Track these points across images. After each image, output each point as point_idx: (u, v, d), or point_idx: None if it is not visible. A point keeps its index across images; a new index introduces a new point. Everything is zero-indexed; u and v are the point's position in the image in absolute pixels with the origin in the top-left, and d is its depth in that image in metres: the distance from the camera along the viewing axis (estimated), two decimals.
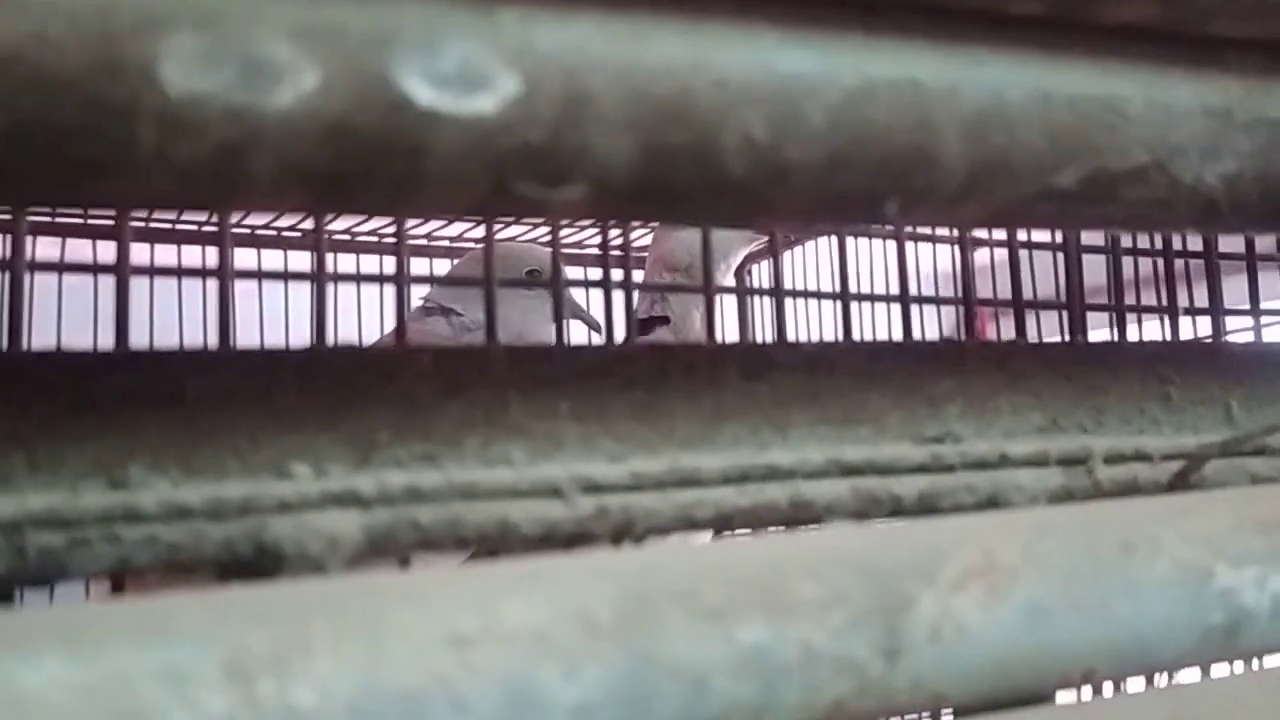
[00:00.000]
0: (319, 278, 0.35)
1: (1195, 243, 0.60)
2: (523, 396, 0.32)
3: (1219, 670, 0.36)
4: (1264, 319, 0.55)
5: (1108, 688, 0.35)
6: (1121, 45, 0.30)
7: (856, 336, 0.47)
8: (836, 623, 0.25)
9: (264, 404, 0.30)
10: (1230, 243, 0.62)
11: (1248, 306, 0.61)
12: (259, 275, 0.38)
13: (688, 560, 0.25)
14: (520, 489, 0.30)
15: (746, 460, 0.33)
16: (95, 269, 0.34)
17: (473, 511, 0.29)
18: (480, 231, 0.93)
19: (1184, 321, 0.58)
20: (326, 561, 0.27)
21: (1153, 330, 0.69)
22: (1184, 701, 0.30)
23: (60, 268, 0.40)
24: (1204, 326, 0.61)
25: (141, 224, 0.73)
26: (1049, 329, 0.74)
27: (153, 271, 0.38)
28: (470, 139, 0.24)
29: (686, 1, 0.25)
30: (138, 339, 0.33)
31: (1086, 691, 0.31)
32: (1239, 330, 0.60)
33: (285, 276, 0.37)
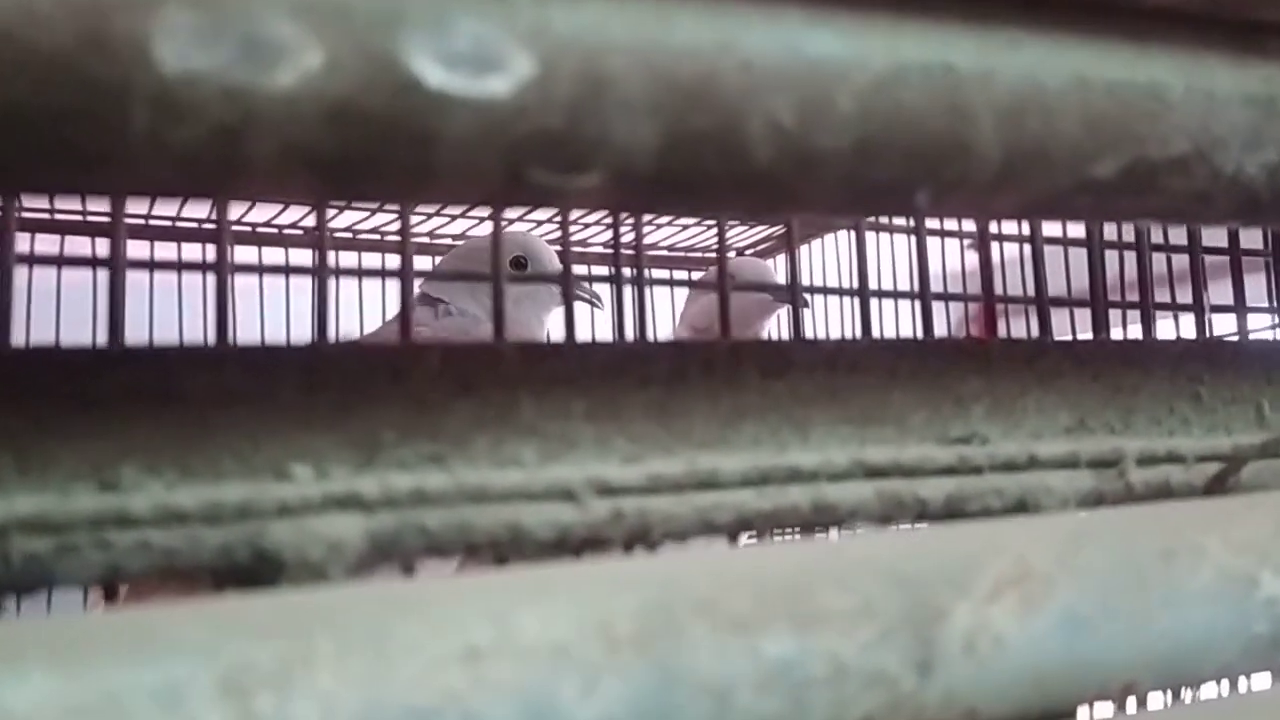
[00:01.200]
0: (321, 272, 0.34)
1: (1217, 238, 0.59)
2: (535, 396, 0.31)
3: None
4: None
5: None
6: (1161, 29, 0.29)
7: (874, 334, 0.46)
8: (866, 635, 0.24)
9: (265, 403, 0.29)
10: (1249, 239, 0.61)
11: (1267, 303, 0.60)
12: (259, 270, 0.37)
13: (711, 569, 0.23)
14: (532, 491, 0.28)
15: (767, 461, 0.31)
16: (94, 262, 0.32)
17: (482, 515, 0.28)
18: (484, 229, 0.91)
19: (1205, 319, 0.57)
20: (328, 568, 0.25)
21: (1168, 328, 0.68)
22: (1227, 715, 0.29)
23: (59, 261, 0.38)
24: (1225, 324, 0.60)
25: (140, 221, 0.70)
26: (1060, 327, 0.73)
27: (152, 266, 0.37)
28: (483, 123, 0.22)
29: None
30: (136, 337, 0.31)
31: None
32: (1261, 329, 0.58)
33: (286, 270, 0.36)
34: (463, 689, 0.20)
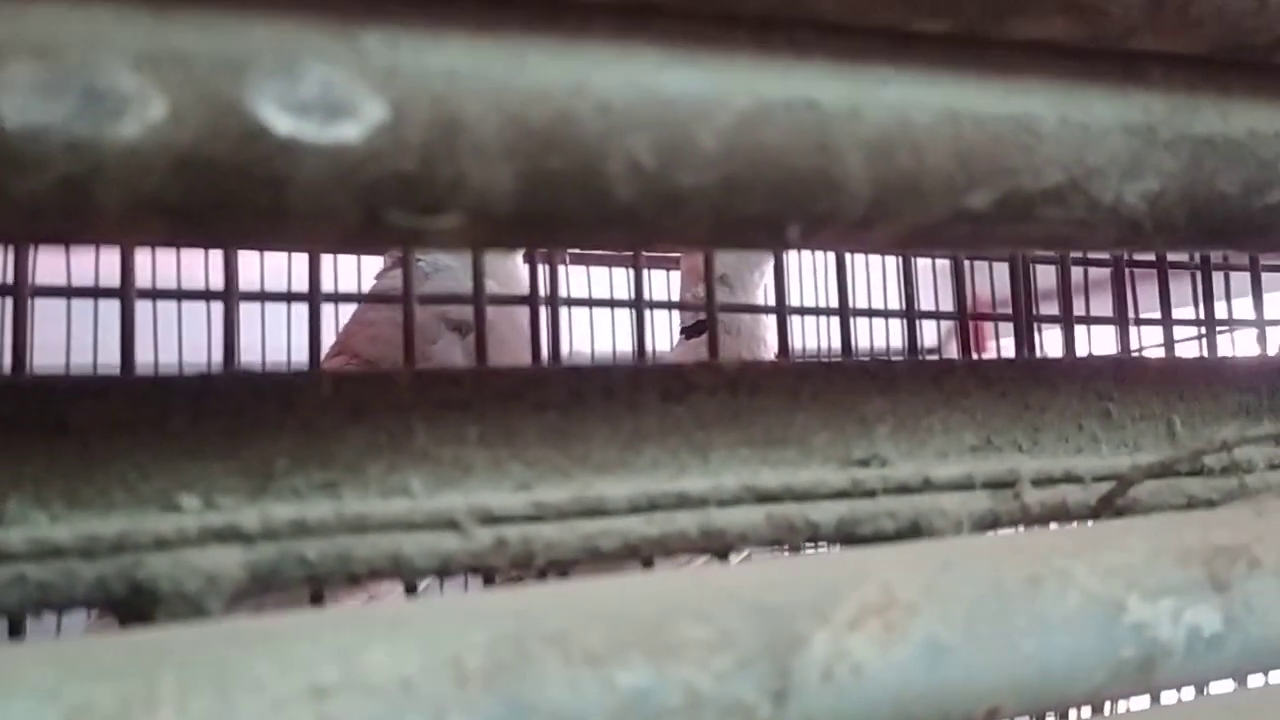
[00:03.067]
0: (229, 296, 0.34)
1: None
2: (429, 422, 0.32)
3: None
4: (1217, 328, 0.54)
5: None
6: (1034, 62, 0.29)
7: (801, 350, 0.46)
8: (723, 664, 0.24)
9: (156, 433, 0.29)
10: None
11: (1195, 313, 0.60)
12: (154, 295, 0.38)
13: (566, 601, 0.24)
14: (415, 521, 0.29)
15: (658, 488, 0.32)
16: None
17: (363, 545, 0.28)
18: None
19: (1134, 330, 0.57)
20: (205, 600, 0.26)
21: (1101, 337, 0.68)
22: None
23: None
24: (1156, 335, 0.60)
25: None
26: (1051, 343, 0.73)
27: (69, 292, 0.37)
28: (335, 168, 0.23)
29: (562, 20, 0.24)
30: (38, 360, 0.32)
31: None
32: (1188, 339, 0.59)
33: (180, 294, 0.36)
34: None
